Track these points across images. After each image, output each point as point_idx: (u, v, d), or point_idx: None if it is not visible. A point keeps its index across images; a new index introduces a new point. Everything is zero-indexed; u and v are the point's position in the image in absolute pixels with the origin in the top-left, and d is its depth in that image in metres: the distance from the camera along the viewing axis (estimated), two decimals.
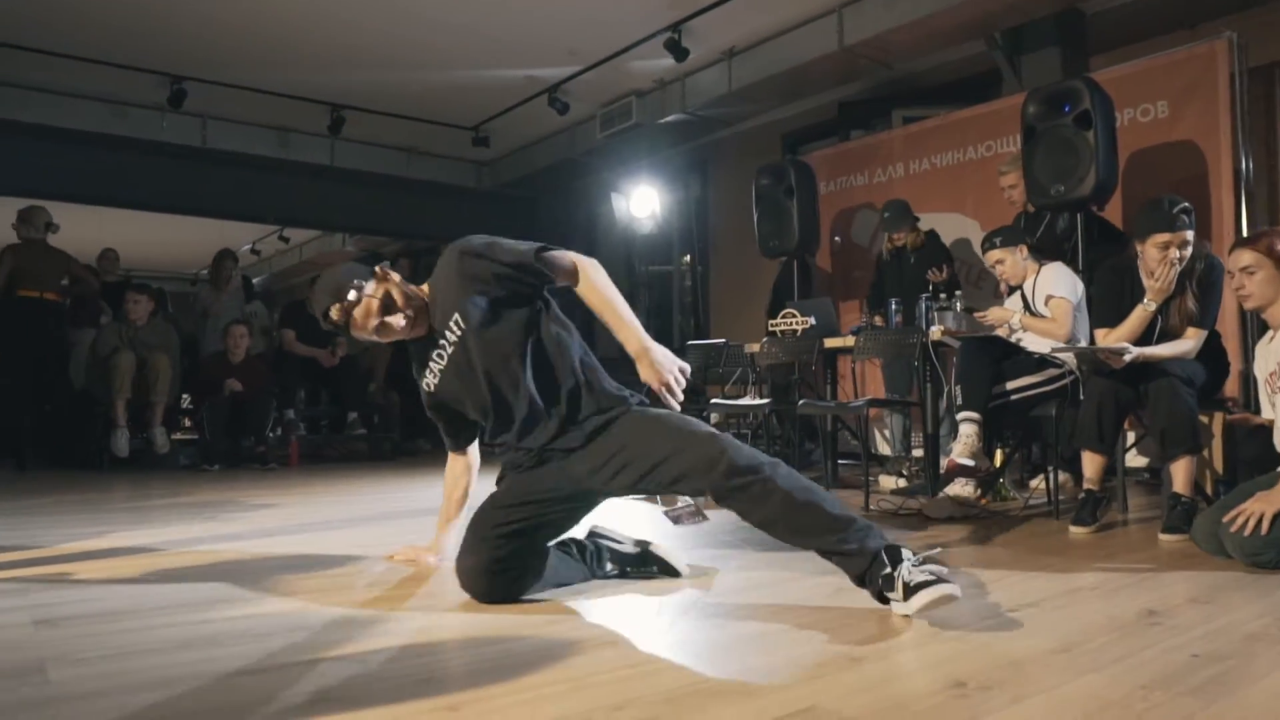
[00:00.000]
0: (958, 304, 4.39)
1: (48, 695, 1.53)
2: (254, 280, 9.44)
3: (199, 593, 2.36)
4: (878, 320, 5.00)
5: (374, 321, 2.27)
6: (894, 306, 4.71)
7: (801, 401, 4.52)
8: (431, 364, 2.38)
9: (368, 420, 7.84)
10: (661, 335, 8.82)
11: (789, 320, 4.81)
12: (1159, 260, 3.29)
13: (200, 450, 6.71)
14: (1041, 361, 3.75)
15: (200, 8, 5.99)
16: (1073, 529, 3.29)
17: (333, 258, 12.64)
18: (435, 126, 8.28)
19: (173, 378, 6.59)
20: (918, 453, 5.37)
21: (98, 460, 6.31)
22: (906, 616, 1.99)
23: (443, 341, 2.32)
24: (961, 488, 3.71)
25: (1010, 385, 3.72)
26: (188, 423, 7.55)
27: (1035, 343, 3.89)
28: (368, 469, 6.50)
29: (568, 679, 1.64)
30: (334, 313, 2.28)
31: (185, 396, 7.27)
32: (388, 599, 2.31)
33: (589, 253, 8.30)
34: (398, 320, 2.28)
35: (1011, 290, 4.23)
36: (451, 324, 2.30)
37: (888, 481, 4.81)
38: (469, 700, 1.50)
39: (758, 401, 4.87)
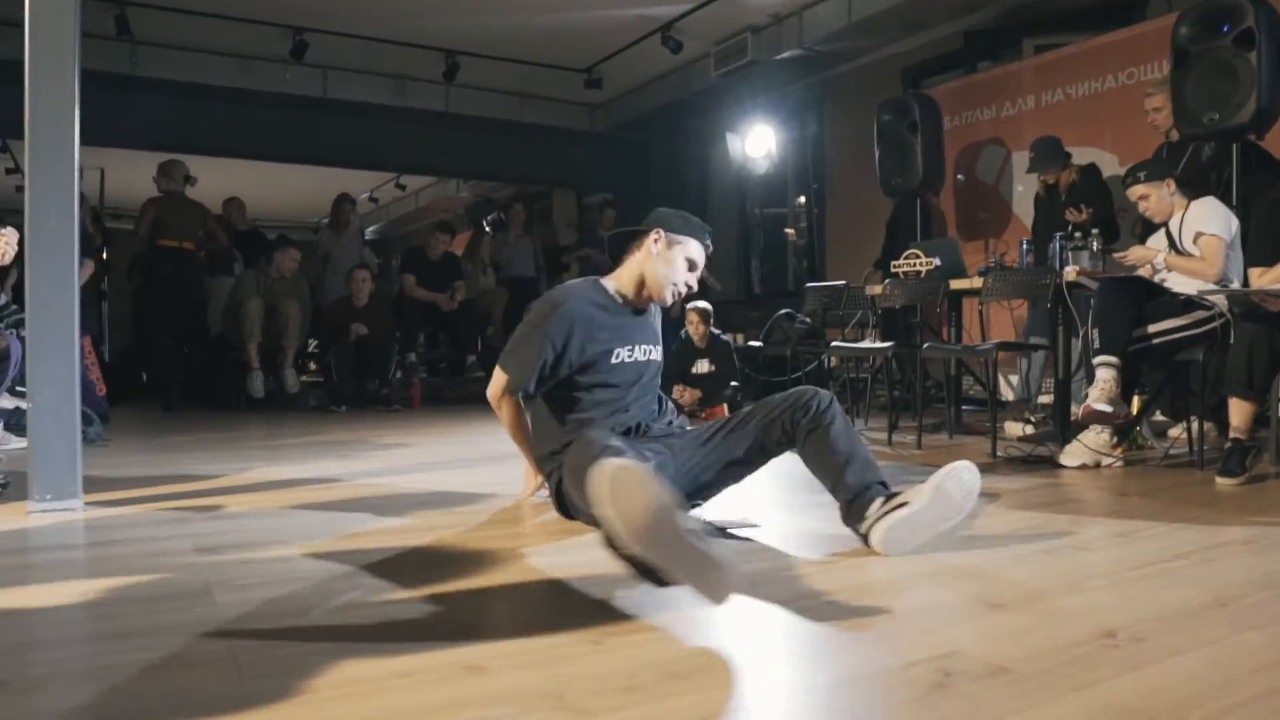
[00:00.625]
0: (1094, 243, 4.17)
1: (217, 616, 1.63)
2: (367, 229, 9.67)
3: (339, 525, 2.47)
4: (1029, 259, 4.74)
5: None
6: (1025, 246, 4.50)
7: (926, 345, 4.40)
8: (637, 346, 2.53)
9: (486, 363, 8.02)
10: (776, 276, 8.75)
11: (912, 261, 4.66)
12: None
13: (328, 392, 7.00)
14: (1188, 303, 3.52)
15: None
16: (1219, 480, 3.12)
17: (448, 204, 12.88)
18: (547, 70, 8.27)
19: (301, 322, 6.86)
20: (1046, 399, 5.18)
21: (235, 401, 6.65)
22: None
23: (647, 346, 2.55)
24: (1097, 435, 3.55)
25: (1153, 328, 3.52)
26: (314, 366, 7.88)
27: (1182, 283, 3.66)
28: (487, 410, 6.65)
29: (680, 621, 1.64)
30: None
31: (312, 340, 7.57)
32: (524, 535, 2.36)
33: (701, 195, 8.25)
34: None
35: (1152, 229, 3.98)
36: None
37: (1014, 428, 4.65)
38: (613, 632, 1.53)
39: (879, 345, 4.75)
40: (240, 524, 2.51)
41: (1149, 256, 3.78)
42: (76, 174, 2.65)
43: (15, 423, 3.98)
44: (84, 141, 2.74)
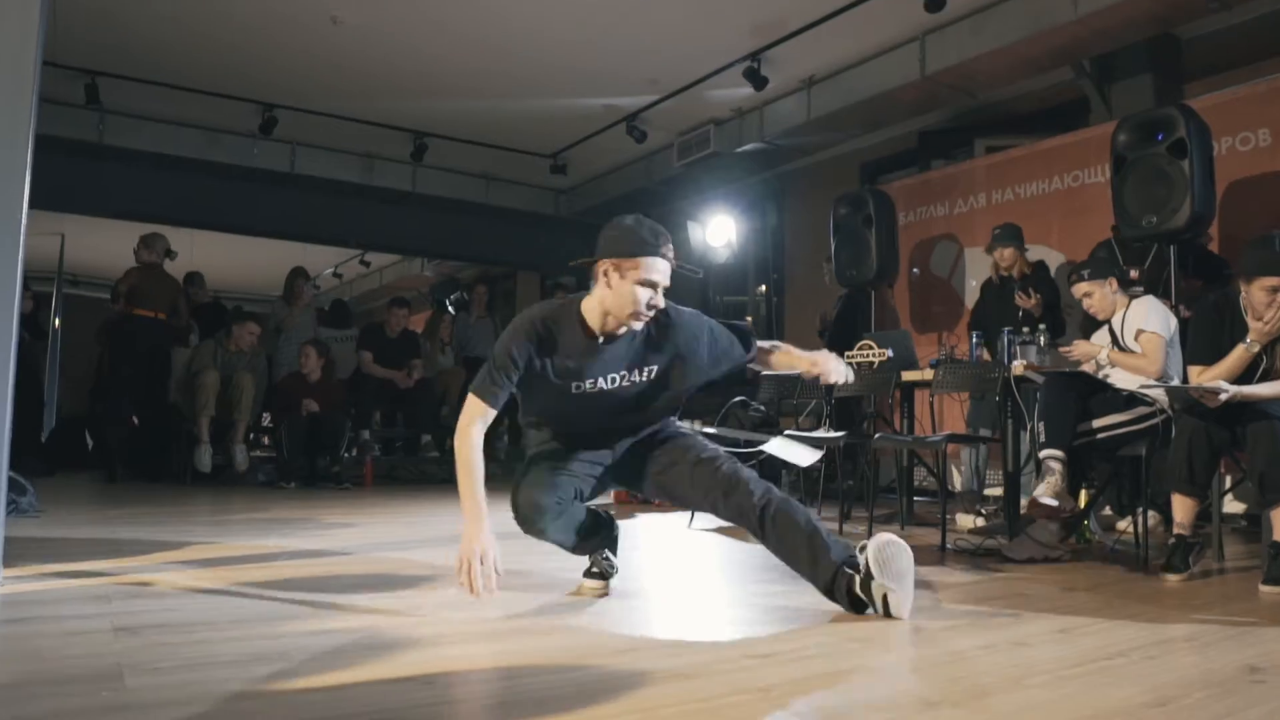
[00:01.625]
0: (1041, 338, 4.26)
1: (125, 702, 1.56)
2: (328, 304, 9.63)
3: (273, 608, 2.39)
4: (985, 354, 4.82)
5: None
6: (975, 339, 4.59)
7: (878, 435, 4.42)
8: (604, 376, 2.46)
9: (441, 443, 7.93)
10: None
11: (865, 352, 4.72)
12: (1267, 304, 3.13)
13: (278, 468, 6.86)
14: (1130, 399, 3.59)
15: (292, 40, 6.22)
16: (1165, 575, 3.14)
17: (412, 282, 12.91)
18: (514, 154, 8.42)
19: (255, 396, 6.77)
20: (994, 491, 5.22)
21: (182, 474, 6.50)
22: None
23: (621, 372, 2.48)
24: (1044, 529, 3.57)
25: (1097, 423, 3.58)
26: (266, 440, 7.75)
27: (1124, 379, 3.74)
28: (440, 491, 6.57)
29: (637, 710, 1.61)
30: None
31: (265, 414, 7.46)
32: (459, 620, 2.30)
33: None
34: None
35: (1096, 325, 4.08)
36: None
37: (965, 520, 4.67)
38: None
39: (832, 435, 4.77)
40: (165, 603, 2.42)
41: (1093, 352, 3.86)
42: (23, 239, 2.62)
43: None
44: (46, 206, 2.72)
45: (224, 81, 6.95)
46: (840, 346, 6.10)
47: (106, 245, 8.10)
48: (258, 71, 6.77)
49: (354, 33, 6.06)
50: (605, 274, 2.40)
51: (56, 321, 10.09)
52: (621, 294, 2.38)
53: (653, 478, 2.58)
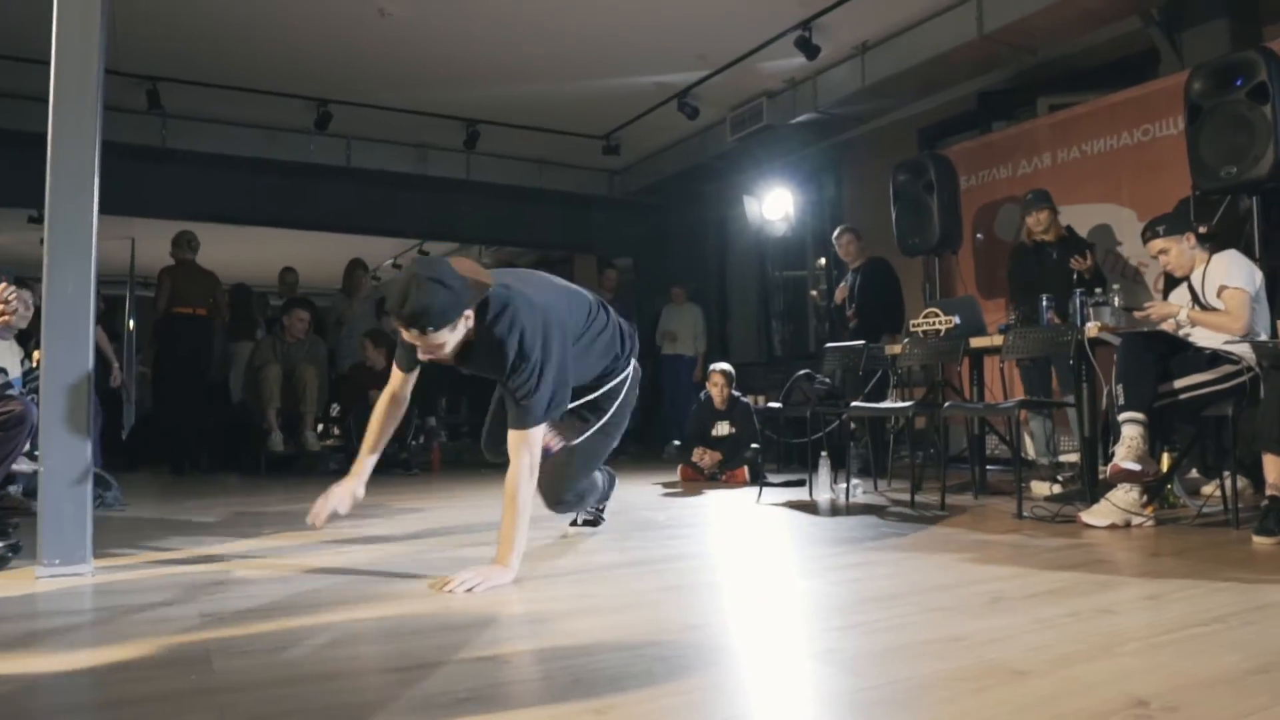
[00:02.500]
0: (1115, 298, 4.12)
1: (213, 684, 1.59)
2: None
3: (349, 592, 2.43)
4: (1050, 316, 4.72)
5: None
6: (1045, 303, 4.46)
7: (947, 404, 4.33)
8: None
9: None
10: (797, 339, 8.73)
11: (931, 320, 4.62)
12: None
13: (348, 456, 6.97)
14: (1214, 357, 3.45)
15: (343, 36, 6.27)
16: (1256, 539, 3.02)
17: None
18: (566, 137, 8.40)
19: (320, 387, 6.90)
20: (1067, 457, 5.08)
21: (256, 465, 6.66)
22: None
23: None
24: (1125, 494, 3.46)
25: (1179, 383, 3.45)
26: (336, 430, 7.89)
27: (1207, 337, 3.59)
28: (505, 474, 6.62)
29: (710, 685, 1.59)
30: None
31: (334, 405, 7.60)
32: (533, 600, 2.31)
33: (720, 258, 8.33)
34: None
35: (1173, 284, 3.93)
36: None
37: (1040, 488, 4.56)
38: (616, 704, 1.47)
39: (899, 404, 4.69)
40: (246, 590, 2.47)
41: (1171, 313, 3.71)
42: (94, 239, 2.69)
43: (31, 487, 3.98)
44: (115, 211, 2.79)
45: (279, 80, 7.05)
46: (871, 322, 6.03)
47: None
48: (311, 68, 6.86)
49: (402, 24, 6.09)
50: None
51: (131, 323, 10.40)
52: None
53: None
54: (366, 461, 2.80)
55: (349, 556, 3.02)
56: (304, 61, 6.72)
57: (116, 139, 6.57)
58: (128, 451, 7.49)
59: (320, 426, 7.18)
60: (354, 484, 2.74)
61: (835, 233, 6.59)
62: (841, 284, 6.46)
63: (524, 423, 2.54)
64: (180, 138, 7.65)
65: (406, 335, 2.49)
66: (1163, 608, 2.13)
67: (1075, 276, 4.79)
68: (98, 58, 2.72)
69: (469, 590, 2.34)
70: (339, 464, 7.14)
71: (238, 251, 10.80)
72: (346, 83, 7.13)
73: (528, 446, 2.55)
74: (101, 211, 2.71)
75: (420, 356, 2.55)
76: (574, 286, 3.00)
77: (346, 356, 7.41)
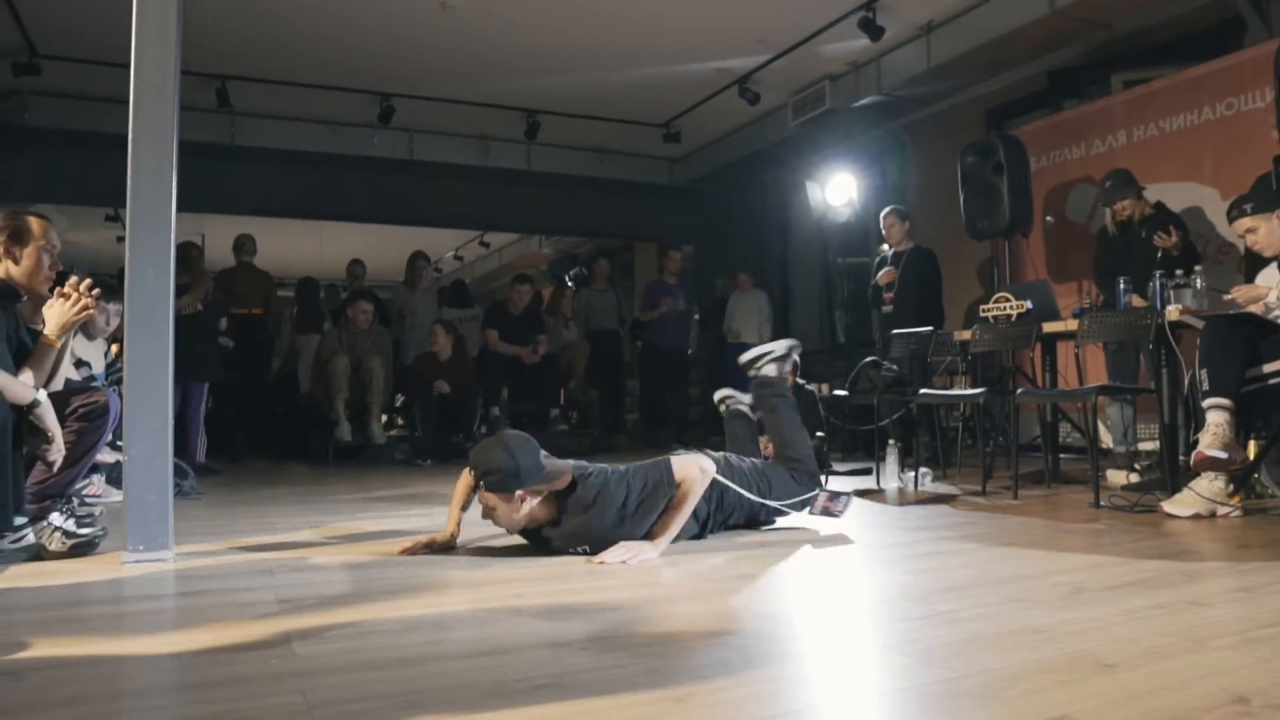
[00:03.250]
0: (1198, 280, 3.97)
1: (294, 669, 1.62)
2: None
3: (422, 579, 2.45)
4: (1135, 300, 4.54)
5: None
6: (1123, 286, 4.31)
7: (1020, 390, 4.23)
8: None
9: (568, 416, 8.03)
10: (860, 326, 8.61)
11: (1003, 305, 4.51)
12: None
13: (413, 446, 7.09)
14: None
15: (405, 30, 6.34)
16: None
17: (531, 260, 13.11)
18: (626, 125, 8.39)
19: (386, 377, 7.01)
20: (1145, 445, 4.93)
21: (324, 454, 6.79)
22: None
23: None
24: (1210, 483, 3.34)
25: (1268, 368, 3.32)
26: (400, 421, 8.01)
27: None
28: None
29: (787, 675, 1.57)
30: None
31: (399, 396, 7.71)
32: (603, 589, 2.31)
33: (782, 245, 8.21)
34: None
35: (1261, 264, 3.77)
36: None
37: (1117, 476, 4.42)
38: (694, 692, 1.46)
39: (970, 391, 4.59)
40: (323, 575, 2.51)
41: (1259, 295, 3.57)
42: (173, 234, 2.75)
43: (115, 476, 4.11)
44: (186, 209, 2.86)
45: (343, 75, 7.17)
46: (908, 311, 5.83)
47: None
48: (374, 63, 6.95)
49: (463, 16, 6.14)
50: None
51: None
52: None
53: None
54: (459, 515, 2.96)
55: None
56: (367, 56, 6.81)
57: (188, 137, 6.71)
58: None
59: (385, 417, 7.29)
60: (449, 539, 2.89)
61: (882, 214, 6.38)
62: (887, 268, 6.21)
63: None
64: (248, 135, 7.82)
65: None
66: (1256, 600, 2.05)
67: (1159, 254, 4.59)
68: (175, 60, 2.78)
69: (623, 562, 2.58)
70: (404, 454, 7.26)
71: (302, 245, 11.03)
72: (409, 77, 7.22)
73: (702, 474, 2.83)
74: (177, 209, 2.77)
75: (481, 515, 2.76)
76: None
77: (411, 348, 7.51)
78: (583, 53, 6.82)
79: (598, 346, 8.33)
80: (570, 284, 8.93)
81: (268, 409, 7.72)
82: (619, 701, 1.43)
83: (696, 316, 8.79)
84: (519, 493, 2.64)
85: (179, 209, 2.81)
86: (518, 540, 2.96)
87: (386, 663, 1.65)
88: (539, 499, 2.70)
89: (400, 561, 2.71)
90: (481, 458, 2.66)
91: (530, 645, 1.75)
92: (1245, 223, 3.61)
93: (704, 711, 1.38)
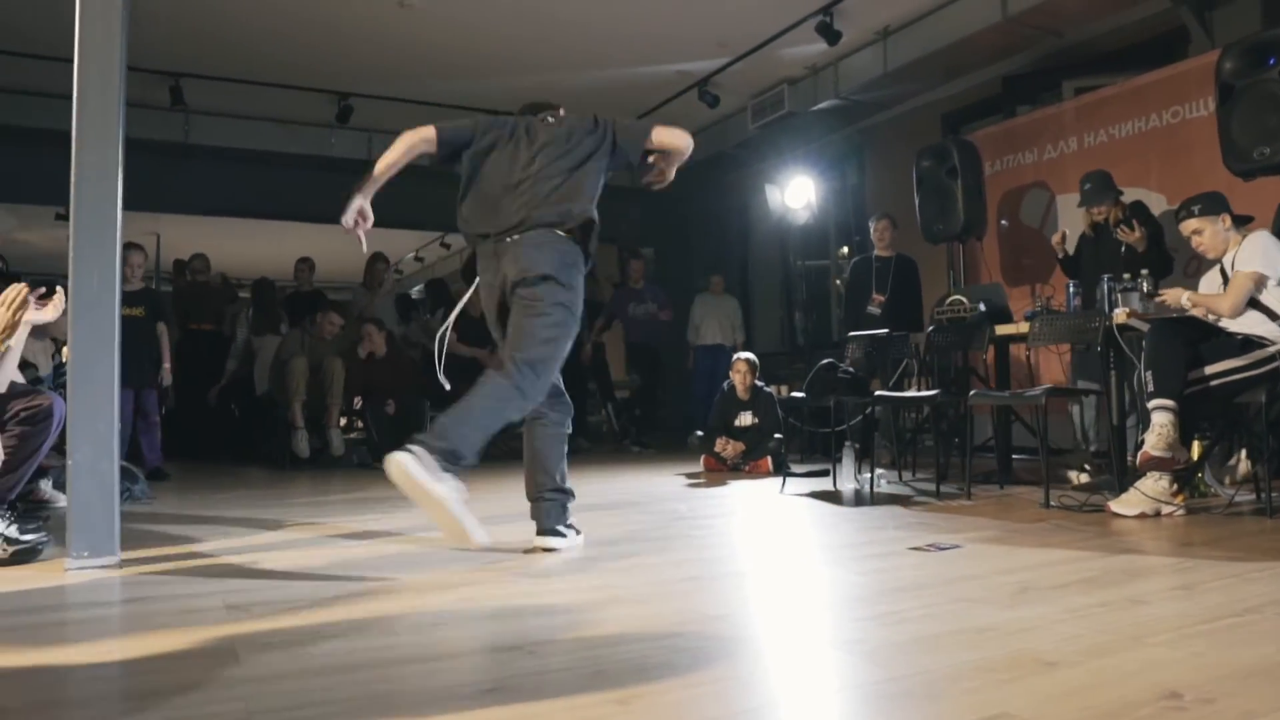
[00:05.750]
0: (1144, 283, 4.05)
1: (241, 675, 1.60)
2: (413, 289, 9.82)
3: (375, 584, 2.43)
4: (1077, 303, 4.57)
5: None
6: (1071, 289, 4.39)
7: (973, 392, 4.29)
8: None
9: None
10: (820, 328, 8.67)
11: (956, 307, 4.57)
12: None
13: (370, 449, 7.02)
14: (1246, 342, 3.39)
15: (363, 29, 6.29)
16: None
17: None
18: None
19: (346, 380, 6.92)
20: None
21: (281, 459, 6.70)
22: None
23: None
24: (1155, 482, 3.41)
25: (1210, 370, 3.40)
26: (360, 424, 7.92)
27: (1237, 322, 3.53)
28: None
29: (733, 676, 1.58)
30: None
31: (356, 399, 7.63)
32: (551, 591, 2.31)
33: (742, 247, 8.27)
34: None
35: (1209, 267, 3.86)
36: None
37: (1075, 476, 4.50)
38: (639, 694, 1.46)
39: (925, 393, 4.65)
40: (273, 581, 2.49)
41: (1177, 298, 3.65)
42: (119, 236, 2.70)
43: (61, 480, 4.03)
44: (140, 208, 2.82)
45: (300, 74, 7.09)
46: (897, 315, 5.88)
47: (201, 242, 8.39)
48: (332, 62, 6.88)
49: (422, 15, 6.10)
50: None
51: None
52: None
53: None
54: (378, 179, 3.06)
55: (375, 548, 3.03)
56: (325, 55, 6.75)
57: (140, 135, 6.62)
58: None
59: (344, 420, 7.21)
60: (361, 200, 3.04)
61: (874, 218, 6.38)
62: (878, 295, 6.17)
63: None
64: (203, 133, 7.71)
65: None
66: (1195, 598, 2.10)
67: (1124, 249, 4.61)
68: (119, 55, 2.73)
69: None
70: (361, 457, 7.18)
71: (259, 245, 10.88)
72: (367, 76, 7.16)
73: None
74: (126, 208, 2.72)
75: None
76: None
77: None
78: (542, 54, 6.81)
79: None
80: None
81: (222, 411, 7.62)
82: (564, 704, 1.43)
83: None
84: None
85: (131, 208, 2.76)
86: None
87: (332, 669, 1.64)
88: None
89: (350, 565, 2.68)
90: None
91: (477, 649, 1.75)
92: (1191, 224, 3.69)
93: (649, 714, 1.39)
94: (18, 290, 2.76)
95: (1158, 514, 3.36)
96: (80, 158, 2.66)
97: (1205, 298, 3.59)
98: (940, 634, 1.82)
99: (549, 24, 6.28)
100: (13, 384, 3.03)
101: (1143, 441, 3.40)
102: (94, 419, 2.61)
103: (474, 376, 7.81)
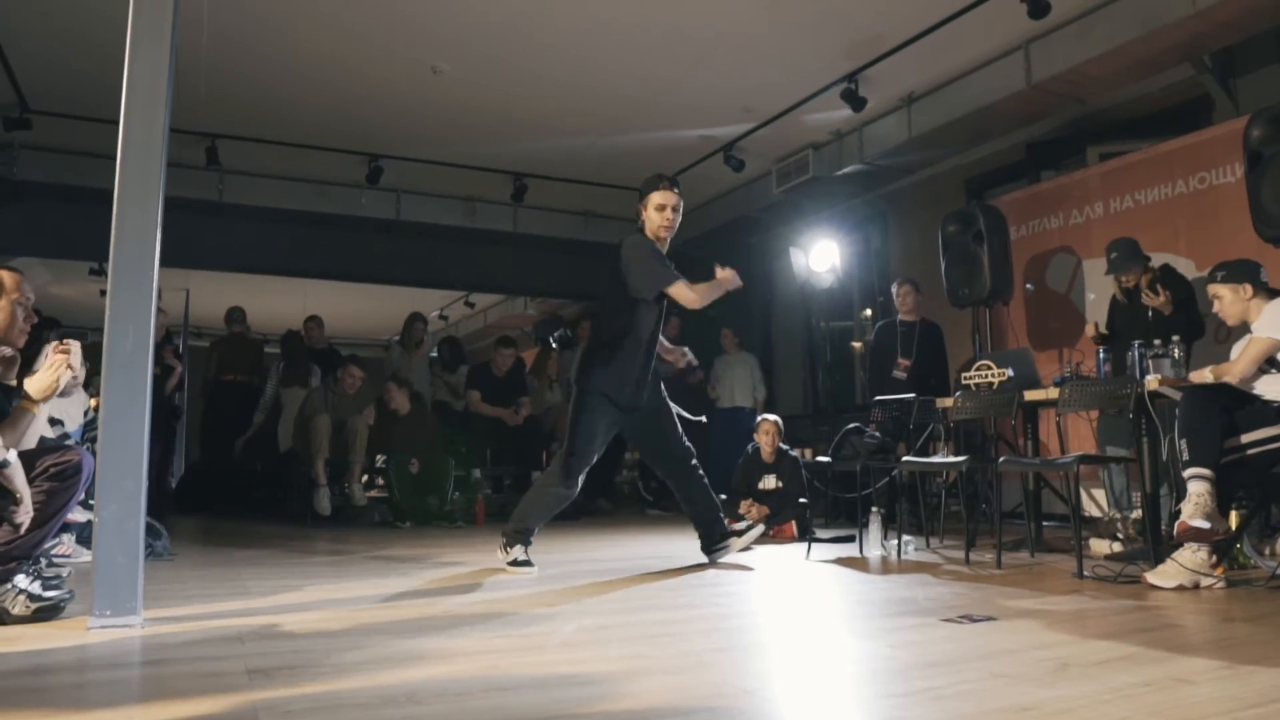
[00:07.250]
0: (1176, 350, 4.01)
1: None
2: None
3: (398, 648, 2.40)
4: (1107, 369, 4.52)
5: None
6: (1101, 354, 4.35)
7: (1002, 459, 4.23)
8: None
9: None
10: (843, 391, 8.62)
11: (984, 372, 4.54)
12: None
13: (391, 508, 7.00)
14: None
15: (395, 93, 6.43)
16: None
17: (516, 321, 13.13)
18: (612, 189, 8.48)
19: (369, 439, 6.94)
20: (1137, 514, 4.91)
21: (303, 516, 6.69)
22: None
23: None
24: (1193, 554, 3.33)
25: (1245, 438, 3.34)
26: (381, 481, 7.92)
27: (1273, 390, 3.48)
28: (551, 528, 6.58)
29: None
30: None
31: (380, 456, 7.63)
32: (583, 660, 2.26)
33: (765, 310, 8.37)
34: None
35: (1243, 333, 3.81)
36: None
37: (1100, 545, 4.41)
38: None
39: (953, 459, 4.59)
40: (295, 644, 2.45)
41: (1201, 378, 3.63)
42: (155, 293, 2.74)
43: (85, 535, 4.03)
44: (172, 264, 2.86)
45: (332, 136, 7.24)
46: (923, 379, 5.85)
47: (229, 298, 8.51)
48: (363, 125, 7.03)
49: (454, 81, 6.23)
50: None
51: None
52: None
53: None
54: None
55: (398, 611, 2.99)
56: (357, 118, 6.89)
57: (176, 194, 6.75)
58: (178, 500, 7.61)
59: (366, 477, 7.21)
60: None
61: (896, 283, 6.39)
62: (903, 360, 6.15)
63: None
64: (236, 192, 7.87)
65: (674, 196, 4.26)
66: (1242, 679, 2.02)
67: (1150, 314, 4.57)
68: (164, 118, 2.79)
69: None
70: (382, 515, 7.16)
71: (287, 302, 11.02)
72: (398, 138, 7.30)
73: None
74: (160, 265, 2.76)
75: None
76: None
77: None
78: (570, 119, 6.93)
79: None
80: (554, 346, 8.91)
81: (246, 466, 7.67)
82: None
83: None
84: None
85: (165, 264, 2.80)
86: (496, 607, 2.91)
87: None
88: None
89: (372, 629, 2.65)
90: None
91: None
92: (1213, 289, 3.67)
93: None
94: (64, 357, 2.78)
95: (1196, 586, 3.27)
96: (121, 216, 2.70)
97: (1219, 366, 3.56)
98: (981, 712, 1.76)
99: (577, 91, 6.40)
100: (42, 438, 3.04)
101: (1178, 511, 3.33)
102: (123, 476, 2.61)
103: (499, 435, 7.82)
